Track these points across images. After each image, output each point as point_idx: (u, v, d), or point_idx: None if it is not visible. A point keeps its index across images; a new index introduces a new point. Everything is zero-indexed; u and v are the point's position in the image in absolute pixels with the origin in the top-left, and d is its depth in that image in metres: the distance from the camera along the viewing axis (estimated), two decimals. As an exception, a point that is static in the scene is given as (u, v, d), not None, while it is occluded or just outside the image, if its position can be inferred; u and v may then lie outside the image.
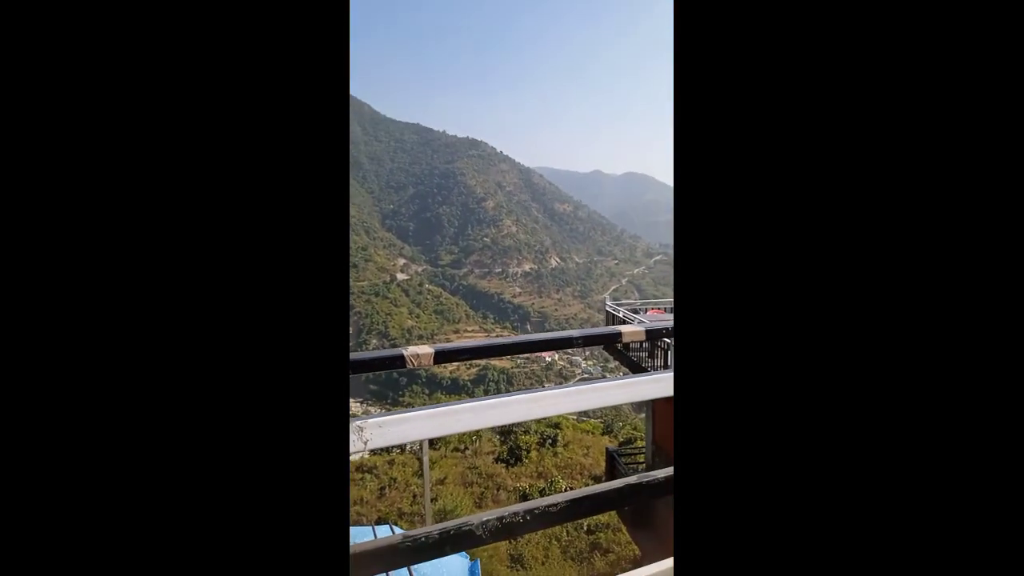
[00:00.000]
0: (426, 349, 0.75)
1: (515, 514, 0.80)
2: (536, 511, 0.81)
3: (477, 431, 17.52)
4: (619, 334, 0.85)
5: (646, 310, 10.23)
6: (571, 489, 0.85)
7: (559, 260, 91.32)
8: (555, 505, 0.81)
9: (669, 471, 0.93)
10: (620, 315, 9.34)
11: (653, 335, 0.90)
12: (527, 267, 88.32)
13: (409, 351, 0.75)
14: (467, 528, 0.77)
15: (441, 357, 0.74)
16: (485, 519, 0.78)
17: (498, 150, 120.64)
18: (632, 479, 0.89)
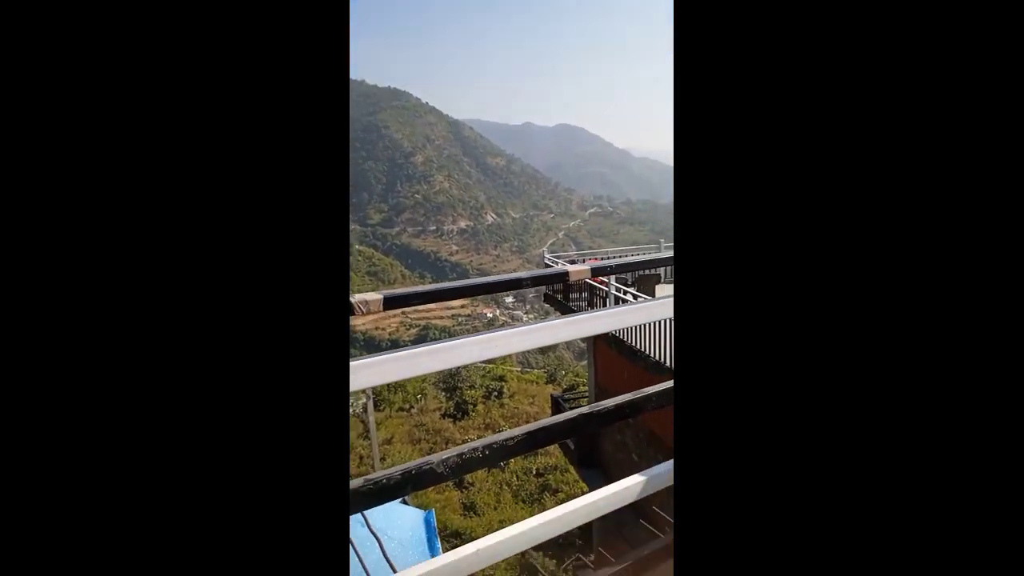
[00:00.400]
0: (374, 296, 0.73)
1: (474, 450, 0.83)
2: (495, 445, 0.84)
3: (423, 390, 17.58)
4: (567, 273, 0.87)
5: (583, 261, 10.52)
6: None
7: (495, 216, 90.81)
8: (512, 439, 0.85)
9: (618, 399, 1.00)
10: (559, 267, 9.55)
11: (598, 272, 0.94)
12: (463, 224, 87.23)
13: (356, 299, 0.73)
14: (428, 467, 0.79)
15: (391, 303, 0.73)
16: (445, 457, 0.81)
17: (423, 101, 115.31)
18: (584, 409, 0.94)
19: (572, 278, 0.88)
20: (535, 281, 0.83)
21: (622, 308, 1.06)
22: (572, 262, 10.12)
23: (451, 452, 0.80)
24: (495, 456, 0.84)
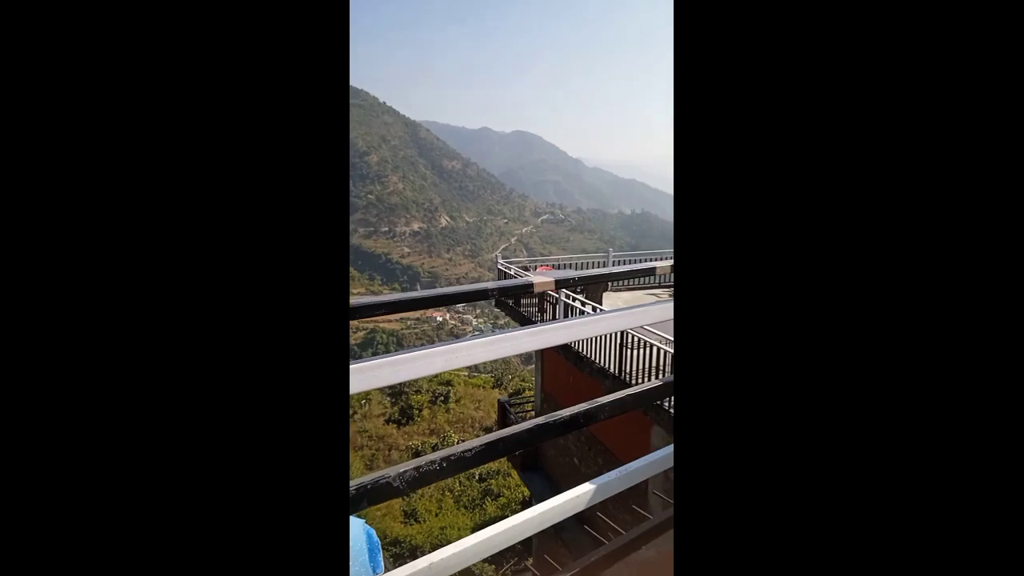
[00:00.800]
0: (337, 302, 0.70)
1: (432, 463, 0.81)
2: (452, 457, 0.83)
3: (368, 395, 17.10)
4: (531, 284, 0.88)
5: (536, 267, 10.63)
6: (463, 442, 0.90)
7: (449, 219, 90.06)
8: (470, 450, 0.84)
9: (573, 409, 1.01)
10: (512, 272, 9.60)
11: (562, 284, 0.95)
12: (416, 226, 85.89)
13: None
14: (384, 481, 0.77)
15: (357, 312, 0.70)
16: (402, 471, 0.79)
17: (381, 100, 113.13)
18: (540, 420, 0.95)
19: (537, 289, 0.89)
20: (502, 292, 0.83)
21: (589, 318, 1.08)
22: (524, 268, 10.19)
23: (408, 465, 0.79)
24: (452, 468, 0.83)
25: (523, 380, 18.98)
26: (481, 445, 0.84)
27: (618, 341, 6.00)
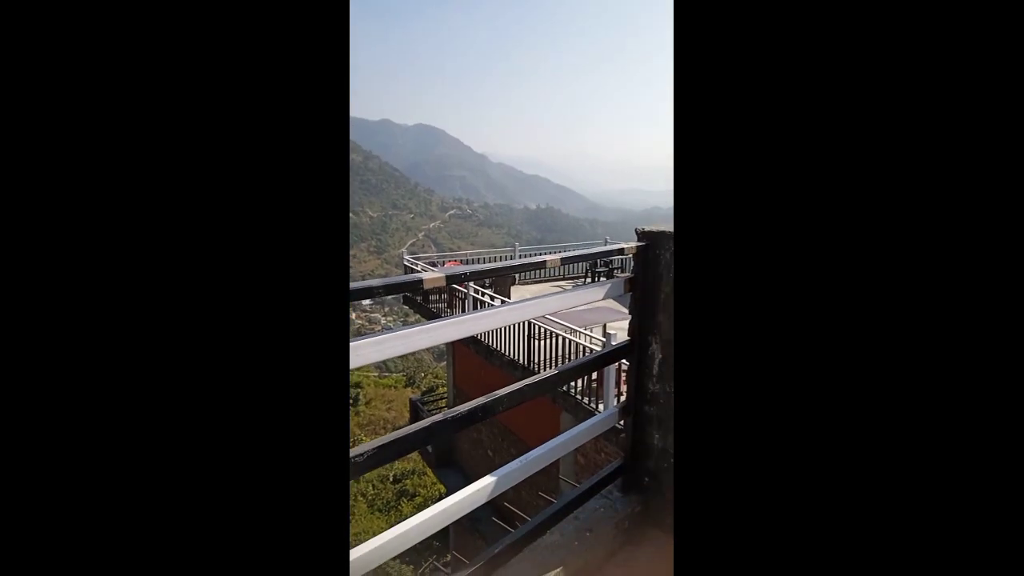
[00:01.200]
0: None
1: (319, 472, 0.77)
2: (342, 465, 0.79)
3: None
4: (421, 281, 0.86)
5: (444, 263, 10.52)
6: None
7: (351, 214, 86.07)
8: (362, 455, 0.81)
9: (471, 404, 1.01)
10: (419, 268, 9.42)
11: (453, 280, 0.94)
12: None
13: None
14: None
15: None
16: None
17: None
18: (438, 417, 0.94)
19: (427, 285, 0.88)
20: (388, 290, 0.80)
21: (493, 310, 1.09)
22: (432, 264, 10.05)
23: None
24: (342, 475, 0.79)
25: (436, 377, 18.77)
26: (372, 449, 0.81)
27: (526, 332, 6.15)
